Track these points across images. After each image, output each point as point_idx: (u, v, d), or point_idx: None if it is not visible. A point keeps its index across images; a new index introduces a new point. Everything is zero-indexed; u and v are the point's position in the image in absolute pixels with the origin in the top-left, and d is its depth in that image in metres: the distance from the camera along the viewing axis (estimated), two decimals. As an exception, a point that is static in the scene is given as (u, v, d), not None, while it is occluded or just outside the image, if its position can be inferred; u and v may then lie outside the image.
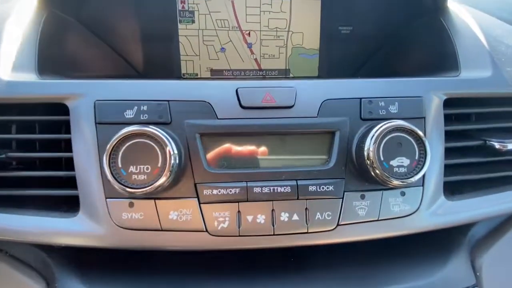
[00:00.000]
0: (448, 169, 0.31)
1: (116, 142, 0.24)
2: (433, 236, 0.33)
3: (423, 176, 0.29)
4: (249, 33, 0.60)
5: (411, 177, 0.26)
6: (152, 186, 0.24)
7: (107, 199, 0.26)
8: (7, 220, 0.27)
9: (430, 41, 0.44)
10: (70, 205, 0.28)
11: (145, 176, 0.24)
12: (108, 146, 0.24)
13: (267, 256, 0.31)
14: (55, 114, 0.29)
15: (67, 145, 0.28)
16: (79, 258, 0.30)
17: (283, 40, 0.61)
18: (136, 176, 0.24)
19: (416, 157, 0.26)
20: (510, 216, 0.36)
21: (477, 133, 0.33)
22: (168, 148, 0.24)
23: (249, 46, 0.61)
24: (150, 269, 0.30)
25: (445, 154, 0.30)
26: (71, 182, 0.27)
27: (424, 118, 0.30)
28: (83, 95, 0.28)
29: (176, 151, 0.25)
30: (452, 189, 0.31)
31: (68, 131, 0.28)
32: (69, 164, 0.28)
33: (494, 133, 0.33)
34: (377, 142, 0.26)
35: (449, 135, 0.31)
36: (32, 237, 0.27)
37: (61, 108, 0.29)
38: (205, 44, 0.59)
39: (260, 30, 0.60)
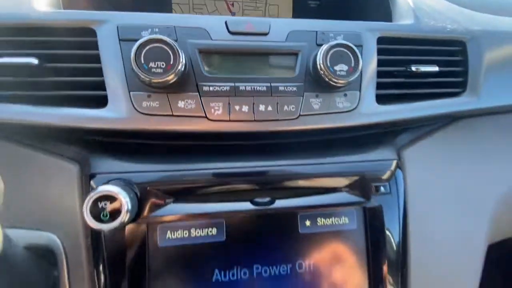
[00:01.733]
0: (379, 86, 0.43)
1: (140, 45, 0.34)
2: (369, 139, 0.45)
3: (360, 84, 0.40)
4: (232, 4, 0.71)
5: (349, 77, 0.37)
6: (166, 76, 0.34)
7: (131, 92, 0.35)
8: (47, 111, 0.35)
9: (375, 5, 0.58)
10: (98, 106, 0.37)
11: (161, 70, 0.34)
12: (135, 46, 0.34)
13: (248, 147, 0.41)
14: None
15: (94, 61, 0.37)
16: (107, 148, 0.38)
17: (261, 11, 0.73)
18: (154, 70, 0.34)
19: (352, 64, 0.38)
20: (430, 130, 0.49)
21: (401, 62, 0.45)
22: (177, 50, 0.34)
23: (233, 14, 0.72)
24: (163, 153, 0.39)
25: (377, 75, 0.42)
26: (99, 87, 0.36)
27: (362, 46, 0.42)
28: (107, 21, 0.38)
29: (183, 53, 0.35)
30: (382, 101, 0.44)
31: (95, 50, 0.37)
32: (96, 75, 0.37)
33: (413, 63, 0.46)
34: (325, 54, 0.37)
35: (380, 63, 0.43)
36: (71, 122, 0.35)
37: (87, 33, 0.37)
38: (195, 12, 0.69)
39: (242, 2, 0.71)
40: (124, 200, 0.29)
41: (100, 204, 0.29)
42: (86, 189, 0.35)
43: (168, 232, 0.34)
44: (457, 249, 0.44)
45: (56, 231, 0.34)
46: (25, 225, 0.34)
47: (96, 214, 0.29)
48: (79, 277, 0.33)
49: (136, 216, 0.32)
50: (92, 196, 0.29)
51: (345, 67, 0.38)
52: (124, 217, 0.29)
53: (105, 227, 0.29)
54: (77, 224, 0.34)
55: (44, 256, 0.33)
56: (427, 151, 0.46)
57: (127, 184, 0.32)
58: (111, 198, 0.29)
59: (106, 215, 0.29)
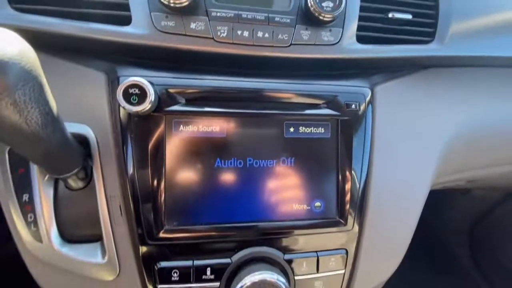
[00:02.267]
0: (360, 28, 0.50)
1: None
2: (348, 76, 0.53)
3: (343, 23, 0.48)
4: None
5: (333, 12, 0.45)
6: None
7: (151, 12, 0.43)
8: (76, 24, 0.42)
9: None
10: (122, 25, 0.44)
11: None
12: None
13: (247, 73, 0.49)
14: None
15: None
16: (130, 62, 0.46)
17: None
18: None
19: (337, 2, 0.46)
20: (401, 74, 0.58)
21: (380, 9, 0.53)
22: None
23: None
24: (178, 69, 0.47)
25: (358, 19, 0.50)
26: (124, 8, 0.43)
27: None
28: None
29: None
30: (362, 42, 0.51)
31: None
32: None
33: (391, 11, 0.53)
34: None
35: (362, 9, 0.50)
36: (100, 35, 0.42)
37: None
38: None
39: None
40: (149, 88, 0.37)
41: (130, 91, 0.37)
42: (113, 90, 0.43)
43: (181, 125, 0.42)
44: (408, 182, 0.53)
45: (88, 123, 0.42)
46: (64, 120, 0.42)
47: (127, 98, 0.37)
48: (108, 158, 0.42)
49: (156, 108, 0.40)
50: (125, 83, 0.37)
51: (331, 4, 0.46)
52: (149, 101, 0.37)
53: (134, 108, 0.37)
54: (106, 118, 0.43)
55: (79, 142, 0.41)
56: (395, 90, 0.55)
57: (149, 82, 0.40)
58: (138, 87, 0.37)
59: (135, 99, 0.37)
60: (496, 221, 1.40)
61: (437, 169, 0.57)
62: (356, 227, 0.47)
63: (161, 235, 0.41)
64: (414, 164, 0.53)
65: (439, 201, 1.61)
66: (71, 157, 0.37)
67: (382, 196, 0.49)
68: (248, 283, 0.39)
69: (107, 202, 0.41)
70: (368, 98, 0.49)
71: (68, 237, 0.42)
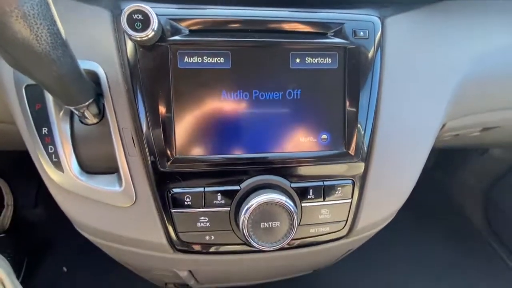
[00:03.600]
0: None
1: None
2: (357, 5, 0.51)
3: None
4: None
5: None
6: None
7: None
8: None
9: None
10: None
11: None
12: None
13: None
14: None
15: None
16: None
17: None
18: None
19: None
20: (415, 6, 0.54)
21: None
22: None
23: None
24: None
25: None
26: None
27: None
28: None
29: None
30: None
31: None
32: None
33: None
34: None
35: None
36: None
37: None
38: None
39: None
40: (152, 14, 0.37)
41: (134, 16, 0.37)
42: (118, 26, 0.43)
43: (186, 56, 0.43)
44: (419, 117, 0.52)
45: (97, 61, 0.43)
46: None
47: (131, 25, 0.38)
48: (118, 92, 0.43)
49: (160, 39, 0.41)
50: (129, 8, 0.37)
51: None
52: (152, 27, 0.37)
53: (138, 35, 0.38)
54: (113, 54, 0.43)
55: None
56: (407, 22, 0.53)
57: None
58: (142, 13, 0.37)
59: (139, 25, 0.38)
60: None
61: (449, 108, 0.56)
62: (363, 159, 0.47)
63: (172, 164, 0.43)
64: (425, 99, 0.52)
65: (453, 163, 1.58)
66: (83, 87, 0.38)
67: (390, 130, 0.49)
68: (255, 204, 0.40)
69: (120, 135, 0.43)
70: (377, 27, 0.47)
71: (86, 169, 0.45)
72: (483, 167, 1.45)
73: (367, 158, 0.48)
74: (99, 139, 0.44)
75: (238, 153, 0.44)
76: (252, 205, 0.40)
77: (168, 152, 0.43)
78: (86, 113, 0.42)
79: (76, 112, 0.42)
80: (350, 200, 0.47)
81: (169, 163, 0.43)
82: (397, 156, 0.50)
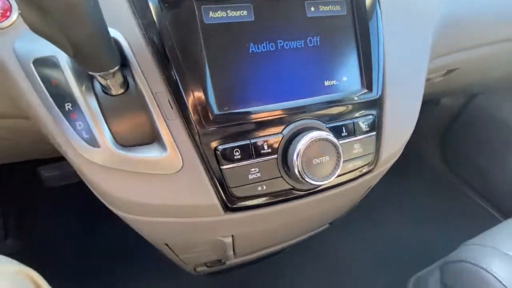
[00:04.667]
0: None
1: None
2: None
3: None
4: None
5: None
6: None
7: None
8: None
9: None
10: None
11: None
12: None
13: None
14: None
15: None
16: None
17: None
18: None
19: None
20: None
21: None
22: None
23: None
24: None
25: None
26: None
27: None
28: None
29: None
30: None
31: None
32: None
33: None
34: None
35: None
36: None
37: None
38: None
39: None
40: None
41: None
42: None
43: (210, 12, 0.42)
44: (412, 54, 0.59)
45: (115, 27, 0.41)
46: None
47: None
48: (144, 56, 0.41)
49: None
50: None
51: None
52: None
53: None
54: (131, 18, 0.41)
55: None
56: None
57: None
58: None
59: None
60: (464, 124, 1.59)
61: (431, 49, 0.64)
62: (380, 95, 0.52)
63: (214, 121, 0.43)
64: (415, 38, 0.59)
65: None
66: (112, 49, 0.36)
67: (395, 66, 0.54)
68: (306, 142, 0.43)
69: (155, 100, 0.41)
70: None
71: (121, 143, 0.42)
72: (437, 116, 1.67)
73: (382, 94, 0.53)
74: (131, 109, 0.42)
75: (275, 102, 0.46)
76: (303, 144, 0.43)
77: (209, 110, 0.42)
78: (111, 82, 0.40)
79: (102, 81, 0.39)
80: (375, 133, 0.52)
81: (211, 121, 0.42)
82: (403, 89, 0.56)
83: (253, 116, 0.44)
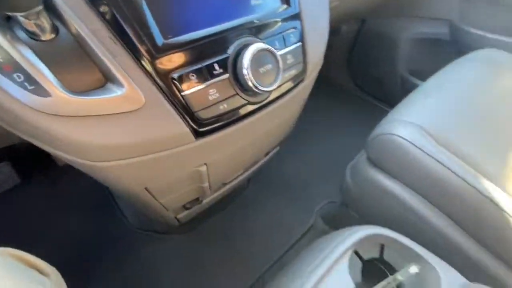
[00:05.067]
0: None
1: None
2: None
3: None
4: None
5: None
6: None
7: None
8: None
9: None
10: None
11: None
12: None
13: None
14: None
15: None
16: None
17: None
18: None
19: None
20: None
21: None
22: None
23: None
24: None
25: None
26: None
27: None
28: None
29: None
30: None
31: None
32: None
33: None
34: None
35: None
36: None
37: None
38: None
39: None
40: None
41: None
42: None
43: None
44: None
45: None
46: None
47: None
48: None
49: None
50: None
51: None
52: None
53: None
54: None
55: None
56: None
57: None
58: None
59: None
60: (361, 46, 1.87)
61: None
62: (298, 10, 0.60)
63: (163, 49, 0.44)
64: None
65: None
66: None
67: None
68: (252, 53, 0.48)
69: (97, 39, 0.40)
70: None
71: (72, 91, 0.40)
72: (340, 44, 1.91)
73: (299, 8, 0.61)
74: (71, 53, 0.40)
75: (215, 25, 0.49)
76: (248, 57, 0.48)
77: (155, 39, 0.43)
78: (39, 24, 0.37)
79: (27, 24, 0.36)
80: (301, 43, 0.61)
81: (160, 50, 0.44)
82: (315, 6, 0.66)
83: (199, 40, 0.47)
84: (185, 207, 0.78)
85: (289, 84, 0.62)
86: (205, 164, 0.61)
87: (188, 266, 1.16)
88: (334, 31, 1.88)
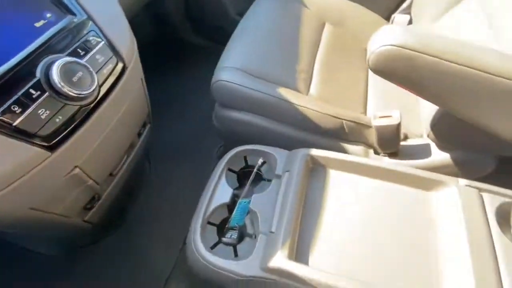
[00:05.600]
0: None
1: None
2: None
3: None
4: None
5: None
6: None
7: None
8: None
9: None
10: None
11: None
12: None
13: None
14: None
15: None
16: None
17: None
18: None
19: None
20: None
21: None
22: None
23: None
24: None
25: None
26: None
27: None
28: None
29: None
30: None
31: None
32: None
33: None
34: None
35: None
36: None
37: None
38: None
39: None
40: None
41: None
42: None
43: None
44: None
45: None
46: None
47: None
48: None
49: None
50: None
51: None
52: None
53: None
54: None
55: None
56: None
57: None
58: None
59: None
60: (196, 2, 1.98)
61: None
62: (85, 15, 0.71)
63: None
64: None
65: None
66: None
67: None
68: (57, 76, 0.60)
69: None
70: None
71: None
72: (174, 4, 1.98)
73: (87, 14, 0.71)
74: None
75: (11, 58, 0.57)
76: (56, 73, 0.59)
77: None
78: None
79: None
80: (104, 41, 0.73)
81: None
82: (99, 2, 0.76)
83: (3, 76, 0.55)
84: (86, 208, 0.89)
85: (114, 76, 0.75)
86: (77, 166, 0.73)
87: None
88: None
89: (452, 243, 0.68)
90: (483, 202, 0.76)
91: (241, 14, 1.93)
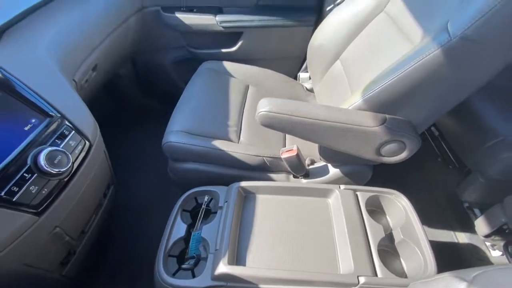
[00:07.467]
0: None
1: None
2: None
3: None
4: None
5: None
6: None
7: None
8: None
9: None
10: None
11: None
12: None
13: None
14: None
15: None
16: None
17: None
18: None
19: None
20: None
21: None
22: None
23: None
24: None
25: None
26: None
27: None
28: None
29: None
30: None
31: None
32: None
33: None
34: None
35: None
36: None
37: None
38: None
39: None
40: None
41: None
42: None
43: None
44: None
45: None
46: None
47: None
48: None
49: None
50: None
51: None
52: None
53: None
54: None
55: None
56: None
57: None
58: None
59: None
60: (144, 75, 2.34)
61: None
62: (58, 113, 0.99)
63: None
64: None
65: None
66: None
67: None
68: (43, 162, 0.85)
69: None
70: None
71: None
72: (126, 82, 2.32)
73: (59, 112, 1.00)
74: None
75: (6, 157, 0.81)
76: (42, 161, 0.84)
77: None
78: None
79: None
80: (73, 130, 1.00)
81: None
82: (65, 100, 1.05)
83: (2, 171, 0.79)
84: (63, 263, 1.06)
85: (84, 153, 1.01)
86: (57, 226, 0.94)
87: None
88: (116, 76, 2.26)
89: (340, 228, 0.99)
90: (357, 197, 1.11)
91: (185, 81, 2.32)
